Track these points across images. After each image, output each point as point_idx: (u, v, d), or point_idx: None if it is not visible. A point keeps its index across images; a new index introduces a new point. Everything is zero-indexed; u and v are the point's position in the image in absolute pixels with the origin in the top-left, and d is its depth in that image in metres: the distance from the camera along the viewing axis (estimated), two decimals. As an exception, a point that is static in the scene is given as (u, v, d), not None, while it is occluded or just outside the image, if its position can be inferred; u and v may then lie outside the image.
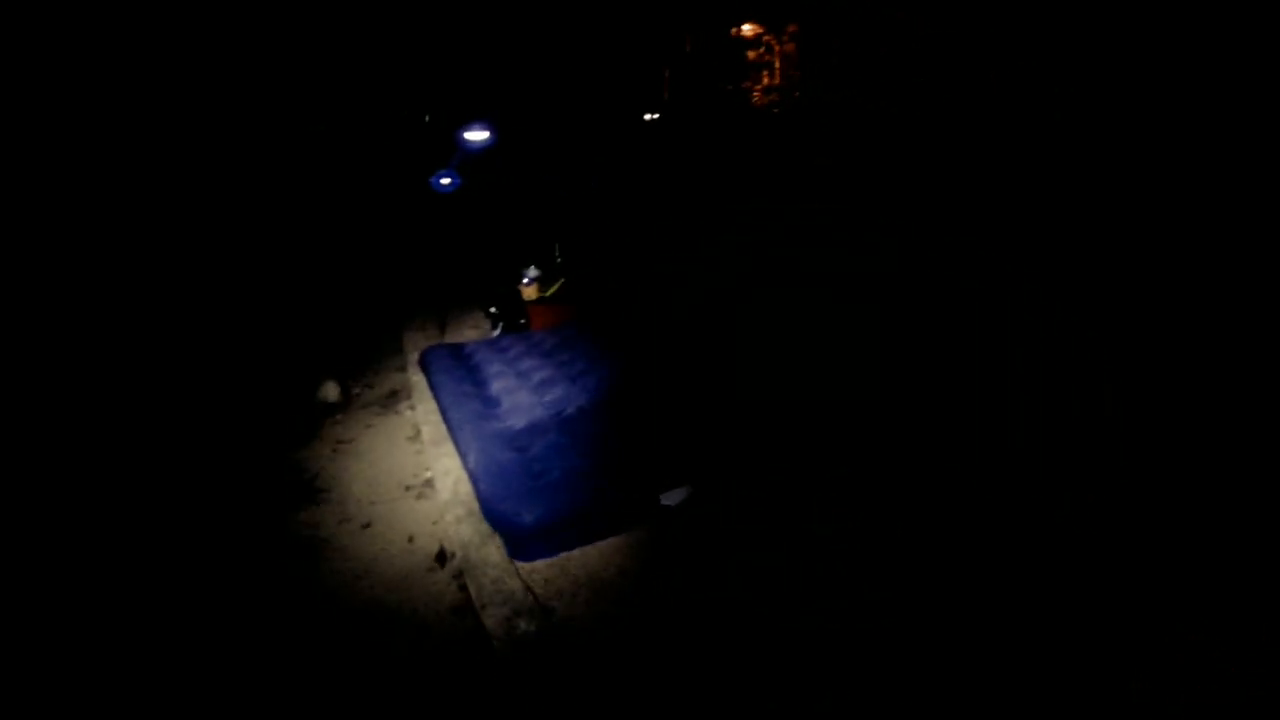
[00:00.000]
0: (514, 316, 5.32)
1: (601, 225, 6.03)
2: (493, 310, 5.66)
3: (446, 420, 4.00)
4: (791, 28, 5.67)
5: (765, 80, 6.09)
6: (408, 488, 3.56)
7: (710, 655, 2.15)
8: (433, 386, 4.35)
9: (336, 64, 6.47)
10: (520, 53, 6.46)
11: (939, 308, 3.37)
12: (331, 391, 4.65)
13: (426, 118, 6.32)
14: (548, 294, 5.28)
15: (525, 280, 5.29)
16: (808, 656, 2.10)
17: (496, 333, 5.30)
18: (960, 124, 3.25)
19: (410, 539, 3.11)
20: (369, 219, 7.01)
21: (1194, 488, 2.55)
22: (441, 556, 2.98)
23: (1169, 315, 2.68)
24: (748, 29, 6.04)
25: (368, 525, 3.23)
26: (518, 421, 3.60)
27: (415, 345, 5.27)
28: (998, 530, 2.61)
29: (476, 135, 5.58)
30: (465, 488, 3.37)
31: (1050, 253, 2.93)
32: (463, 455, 3.44)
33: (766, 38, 5.99)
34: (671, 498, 3.11)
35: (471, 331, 5.67)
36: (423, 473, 3.69)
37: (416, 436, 4.10)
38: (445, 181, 6.23)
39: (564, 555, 2.80)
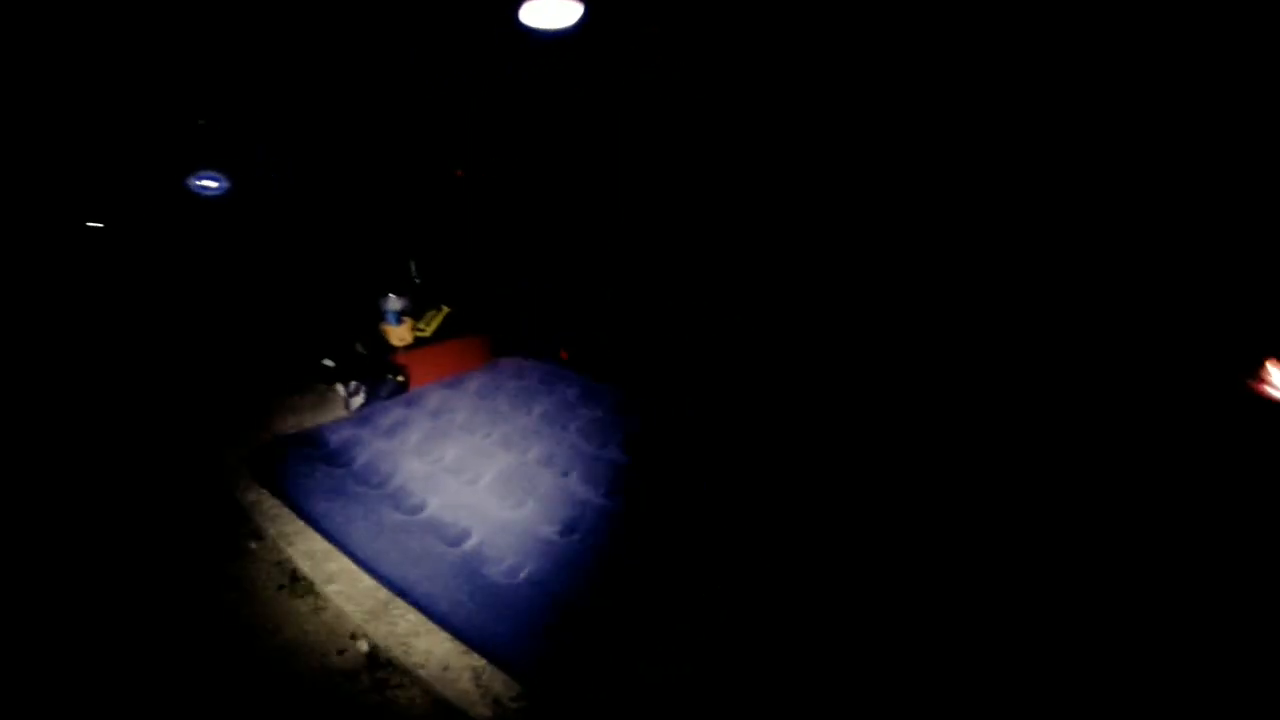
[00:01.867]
0: (378, 371, 3.76)
1: (475, 223, 4.53)
2: (328, 363, 3.97)
3: (351, 549, 2.55)
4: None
5: None
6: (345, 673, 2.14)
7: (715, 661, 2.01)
8: (310, 515, 2.79)
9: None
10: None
11: (938, 309, 3.30)
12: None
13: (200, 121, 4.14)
14: (427, 331, 3.81)
15: (388, 317, 3.75)
16: (807, 656, 2.04)
17: (359, 399, 3.67)
18: (957, 123, 3.17)
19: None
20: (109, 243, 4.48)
21: (1194, 487, 2.59)
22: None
23: (1169, 315, 2.73)
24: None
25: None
26: (474, 531, 2.47)
27: (241, 442, 3.44)
28: (997, 530, 2.59)
29: None
30: (452, 654, 2.11)
31: (1048, 253, 2.92)
32: (429, 613, 2.17)
33: None
34: None
35: (297, 417, 3.89)
36: (352, 644, 2.28)
37: (297, 584, 2.56)
38: (212, 185, 4.17)
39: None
